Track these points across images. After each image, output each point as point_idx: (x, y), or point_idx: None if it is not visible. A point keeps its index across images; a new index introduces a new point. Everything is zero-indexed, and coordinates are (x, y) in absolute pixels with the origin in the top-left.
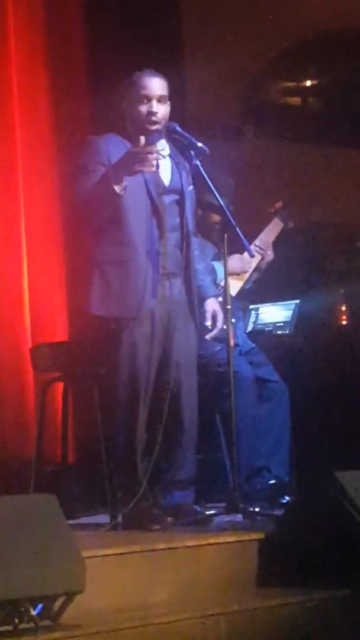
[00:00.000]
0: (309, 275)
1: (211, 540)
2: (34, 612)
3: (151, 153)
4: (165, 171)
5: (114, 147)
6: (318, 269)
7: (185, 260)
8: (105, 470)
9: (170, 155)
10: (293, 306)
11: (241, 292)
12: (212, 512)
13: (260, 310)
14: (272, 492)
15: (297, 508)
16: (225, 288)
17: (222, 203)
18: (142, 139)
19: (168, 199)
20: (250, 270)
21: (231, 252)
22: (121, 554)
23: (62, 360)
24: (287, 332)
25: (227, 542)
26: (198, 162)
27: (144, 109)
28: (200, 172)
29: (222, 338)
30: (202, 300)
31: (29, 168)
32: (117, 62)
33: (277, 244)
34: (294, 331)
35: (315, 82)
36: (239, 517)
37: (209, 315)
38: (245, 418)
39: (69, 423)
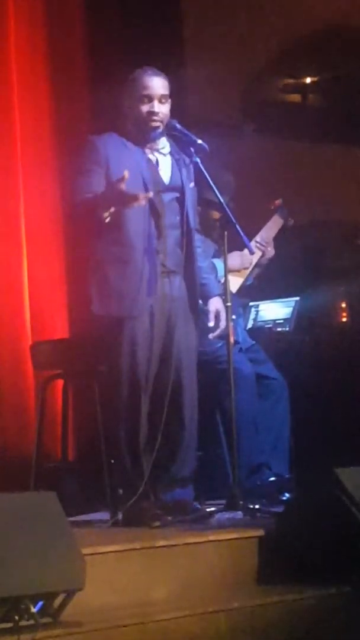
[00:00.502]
0: (309, 272)
1: (211, 538)
2: (34, 610)
3: (136, 199)
4: (165, 169)
5: (113, 147)
6: (318, 266)
7: (186, 257)
8: (106, 467)
9: (170, 153)
10: (293, 303)
11: (241, 289)
12: (212, 509)
13: (260, 307)
14: (272, 489)
15: (297, 505)
16: (226, 285)
17: (221, 200)
18: (126, 173)
19: (168, 196)
20: (251, 266)
21: (231, 249)
22: (121, 551)
23: (62, 357)
24: (287, 329)
25: (227, 539)
26: (198, 159)
27: (145, 108)
28: (200, 169)
29: (222, 335)
30: (206, 298)
31: (29, 167)
32: (118, 60)
33: (277, 241)
34: (294, 328)
35: (315, 79)
36: (239, 514)
37: (212, 316)
38: (245, 415)
39: (69, 420)
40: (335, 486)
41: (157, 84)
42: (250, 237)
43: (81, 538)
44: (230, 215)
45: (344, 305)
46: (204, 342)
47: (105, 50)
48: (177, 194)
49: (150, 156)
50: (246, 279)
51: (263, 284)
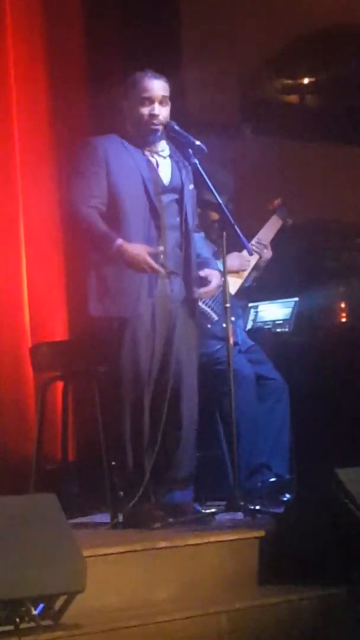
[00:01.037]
0: (309, 272)
1: (212, 539)
2: (35, 612)
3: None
4: (165, 170)
5: (113, 149)
6: (317, 267)
7: (185, 259)
8: (106, 469)
9: (170, 155)
10: (292, 304)
11: (240, 291)
12: (213, 510)
13: (259, 308)
14: (273, 489)
15: (297, 505)
16: (224, 286)
17: (220, 201)
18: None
19: (168, 198)
20: (249, 268)
21: (229, 250)
22: (122, 552)
23: (62, 359)
24: (287, 329)
25: (228, 540)
26: (196, 161)
27: (145, 111)
28: (199, 170)
29: (221, 336)
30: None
31: (28, 168)
32: (117, 62)
33: (276, 241)
34: (293, 329)
35: (313, 79)
36: (239, 515)
37: (202, 275)
38: (245, 416)
39: (69, 422)
40: (335, 486)
41: (158, 87)
42: (249, 238)
43: (82, 540)
44: (229, 216)
45: (343, 305)
46: (203, 344)
47: (104, 52)
48: (177, 196)
49: (150, 158)
50: (244, 281)
51: (262, 285)
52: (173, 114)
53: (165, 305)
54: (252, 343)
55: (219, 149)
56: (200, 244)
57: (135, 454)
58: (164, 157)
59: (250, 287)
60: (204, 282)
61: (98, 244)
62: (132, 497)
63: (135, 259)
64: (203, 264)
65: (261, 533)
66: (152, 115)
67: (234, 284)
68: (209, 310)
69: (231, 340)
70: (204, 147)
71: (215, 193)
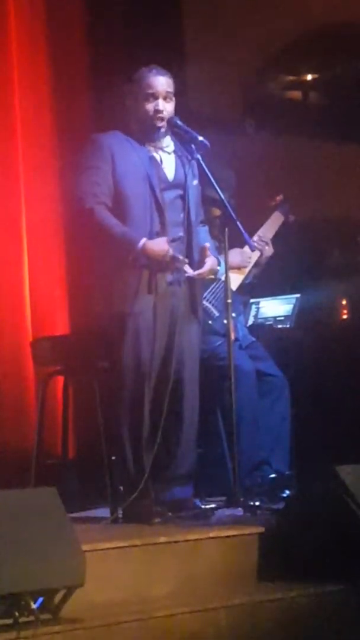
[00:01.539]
0: (310, 269)
1: (212, 534)
2: (34, 606)
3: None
4: (169, 167)
5: (117, 145)
6: (319, 263)
7: (187, 255)
8: (106, 464)
9: (174, 151)
10: (294, 300)
11: (242, 286)
12: (213, 506)
13: (261, 304)
14: (273, 486)
15: (297, 502)
16: (226, 282)
17: (222, 197)
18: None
19: (172, 194)
20: (250, 265)
21: (231, 246)
22: (122, 547)
23: (63, 353)
24: (288, 326)
25: (228, 536)
26: (199, 156)
27: (150, 107)
28: (201, 166)
29: (222, 332)
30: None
31: (30, 165)
32: (119, 59)
33: (278, 237)
34: (294, 325)
35: (316, 76)
36: (239, 511)
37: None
38: (245, 412)
39: (69, 417)
40: (335, 483)
41: (162, 83)
42: (251, 234)
43: (81, 534)
44: (231, 212)
45: (344, 302)
46: (204, 340)
47: (107, 50)
48: (181, 192)
49: (154, 154)
50: (245, 278)
51: (264, 281)
52: (176, 110)
53: (168, 301)
54: (253, 339)
55: (222, 145)
56: (203, 237)
57: (136, 449)
58: (169, 153)
59: (251, 282)
60: (200, 264)
61: (119, 244)
62: (132, 492)
63: (160, 255)
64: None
65: (261, 529)
66: (157, 111)
67: (235, 280)
68: (210, 306)
69: (232, 336)
70: (207, 143)
71: (218, 189)
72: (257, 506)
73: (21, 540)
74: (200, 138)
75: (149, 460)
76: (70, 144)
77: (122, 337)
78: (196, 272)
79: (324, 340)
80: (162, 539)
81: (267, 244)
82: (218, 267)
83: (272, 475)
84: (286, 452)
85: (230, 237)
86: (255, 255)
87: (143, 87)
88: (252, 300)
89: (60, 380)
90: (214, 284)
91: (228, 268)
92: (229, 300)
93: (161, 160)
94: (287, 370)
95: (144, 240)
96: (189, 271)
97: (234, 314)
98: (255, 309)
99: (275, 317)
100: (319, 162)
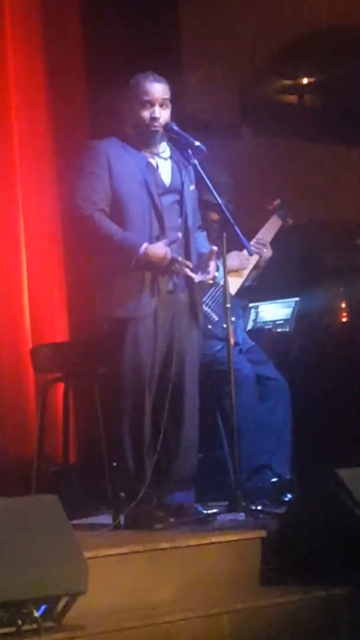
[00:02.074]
0: (309, 272)
1: (213, 539)
2: (37, 613)
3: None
4: (166, 172)
5: (114, 151)
6: (318, 267)
7: (186, 259)
8: (107, 470)
9: (171, 157)
10: (293, 304)
11: (240, 290)
12: (214, 510)
13: (260, 308)
14: (274, 490)
15: (298, 506)
16: (225, 286)
17: (220, 202)
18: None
19: (169, 199)
20: (249, 267)
21: (229, 249)
22: (124, 554)
23: (63, 360)
24: (287, 329)
25: (230, 541)
26: (196, 161)
27: (146, 114)
28: (199, 171)
29: (222, 337)
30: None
31: (28, 170)
32: (116, 64)
33: (276, 241)
34: (294, 329)
35: (312, 79)
36: (241, 515)
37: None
38: (246, 416)
39: (70, 423)
40: (336, 487)
41: (158, 89)
42: (249, 238)
43: (83, 541)
44: (229, 217)
45: (343, 305)
46: (204, 344)
47: (104, 54)
48: (178, 197)
49: (151, 160)
50: (245, 281)
51: (262, 285)
52: (172, 115)
53: (169, 306)
54: (253, 343)
55: (219, 149)
56: (201, 242)
57: (137, 454)
58: (165, 159)
59: (250, 286)
60: (205, 268)
61: (120, 250)
62: (133, 498)
63: (161, 258)
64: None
65: (263, 533)
66: (153, 118)
67: (234, 284)
68: (209, 310)
69: (232, 341)
70: (203, 148)
71: (215, 194)
72: (259, 510)
73: (23, 548)
74: (197, 143)
75: (150, 466)
76: (67, 149)
77: (122, 343)
78: (204, 277)
79: (324, 343)
80: (164, 545)
81: (265, 246)
82: (216, 273)
83: (274, 480)
84: (287, 456)
85: (228, 240)
86: (254, 258)
87: (139, 94)
88: (251, 305)
89: (60, 386)
90: (213, 288)
91: (227, 272)
92: (228, 305)
93: (157, 166)
94: (287, 373)
95: (145, 245)
96: (194, 276)
97: (233, 318)
98: (255, 313)
99: (274, 321)
100: (315, 165)
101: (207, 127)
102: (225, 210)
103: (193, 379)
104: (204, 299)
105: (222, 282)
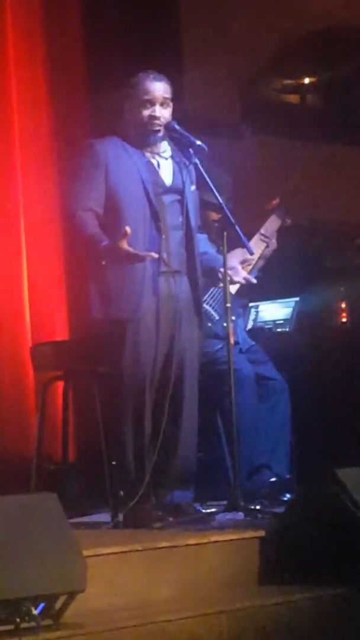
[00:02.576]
0: (309, 272)
1: (212, 539)
2: (35, 612)
3: (142, 259)
4: (166, 171)
5: (113, 151)
6: (318, 267)
7: (188, 259)
8: (107, 468)
9: (171, 156)
10: (293, 304)
11: (241, 289)
12: (213, 510)
13: (260, 308)
14: (273, 489)
15: (297, 505)
16: (225, 285)
17: (220, 201)
18: (128, 229)
19: (169, 198)
20: (255, 259)
21: (230, 248)
22: (122, 552)
23: (63, 359)
24: (287, 329)
25: (229, 540)
26: (197, 161)
27: (146, 113)
28: (199, 170)
29: (222, 336)
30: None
31: (28, 169)
32: (117, 63)
33: (276, 241)
34: (294, 329)
35: (313, 79)
36: (240, 515)
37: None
38: (245, 416)
39: (69, 422)
40: (335, 487)
41: (159, 88)
42: (249, 238)
43: (82, 540)
44: (230, 216)
45: (343, 305)
46: (204, 344)
47: (104, 54)
48: (179, 196)
49: (151, 159)
50: (250, 272)
51: (263, 285)
52: (173, 115)
53: (170, 305)
54: (253, 343)
55: (219, 149)
56: (204, 245)
57: (136, 453)
58: (166, 158)
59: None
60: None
61: (88, 246)
62: (132, 497)
63: (120, 256)
64: (212, 260)
65: (261, 533)
66: (153, 117)
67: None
68: (210, 309)
69: (232, 340)
70: (204, 147)
71: (216, 193)
72: (258, 510)
73: (22, 546)
74: (198, 142)
75: (149, 465)
76: (67, 148)
77: (122, 342)
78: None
79: (323, 343)
80: (163, 544)
81: (272, 236)
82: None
83: (273, 479)
84: (286, 456)
85: (228, 240)
86: (261, 248)
87: (140, 93)
88: (251, 304)
89: (60, 385)
90: (214, 287)
91: (226, 272)
92: (228, 304)
93: (158, 166)
94: (286, 373)
95: (105, 242)
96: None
97: (233, 317)
98: (255, 313)
99: (274, 321)
100: (316, 165)
101: (207, 127)
102: (226, 210)
103: (193, 379)
104: (205, 298)
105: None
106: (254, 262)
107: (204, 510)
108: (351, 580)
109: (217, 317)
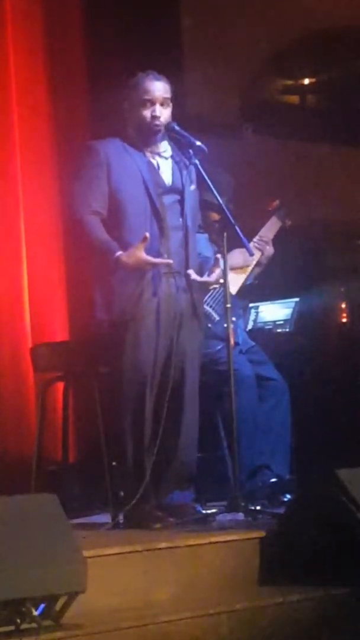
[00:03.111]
0: (309, 273)
1: (212, 539)
2: (35, 612)
3: (155, 264)
4: (166, 172)
5: (114, 152)
6: (318, 267)
7: (187, 258)
8: (107, 469)
9: (172, 156)
10: (293, 304)
11: (241, 290)
12: (214, 510)
13: (260, 309)
14: (273, 490)
15: (298, 506)
16: (225, 286)
17: (221, 202)
18: (147, 235)
19: (170, 198)
20: (252, 264)
21: (231, 248)
22: (123, 553)
23: (63, 360)
24: (287, 330)
25: (229, 541)
26: (197, 161)
27: (147, 113)
28: (199, 170)
29: (222, 336)
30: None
31: (28, 170)
32: (117, 64)
33: (276, 241)
34: (294, 329)
35: (313, 79)
36: (240, 515)
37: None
38: (245, 416)
39: (69, 423)
40: (335, 487)
41: (159, 88)
42: (249, 238)
43: (82, 540)
44: (230, 217)
45: (344, 305)
46: (204, 344)
47: (105, 54)
48: (178, 196)
49: (151, 160)
50: (247, 278)
51: (263, 285)
52: (174, 115)
53: (170, 306)
54: (253, 343)
55: (220, 149)
56: (204, 244)
57: (136, 454)
58: (166, 158)
59: (251, 285)
60: (210, 273)
61: (98, 253)
62: (132, 497)
63: (135, 265)
64: (204, 263)
65: (262, 533)
66: (154, 117)
67: (237, 281)
68: (210, 310)
69: (232, 341)
70: (204, 148)
71: (216, 193)
72: (258, 510)
73: (22, 546)
74: (198, 143)
75: (149, 466)
76: (68, 149)
77: (122, 343)
78: (203, 279)
79: (324, 343)
80: (163, 544)
81: (267, 243)
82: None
83: (273, 480)
84: (287, 456)
85: (228, 240)
86: (257, 254)
87: (140, 93)
88: (251, 305)
89: (60, 386)
90: (215, 287)
91: (228, 270)
92: (229, 305)
93: (158, 166)
94: (286, 374)
95: (119, 253)
96: (195, 277)
97: (233, 318)
98: (255, 313)
99: (274, 321)
100: (316, 165)
101: (208, 127)
102: (226, 210)
103: (193, 380)
104: (205, 299)
105: (222, 282)
106: (251, 266)
107: (204, 511)
108: (351, 580)
109: (217, 318)
